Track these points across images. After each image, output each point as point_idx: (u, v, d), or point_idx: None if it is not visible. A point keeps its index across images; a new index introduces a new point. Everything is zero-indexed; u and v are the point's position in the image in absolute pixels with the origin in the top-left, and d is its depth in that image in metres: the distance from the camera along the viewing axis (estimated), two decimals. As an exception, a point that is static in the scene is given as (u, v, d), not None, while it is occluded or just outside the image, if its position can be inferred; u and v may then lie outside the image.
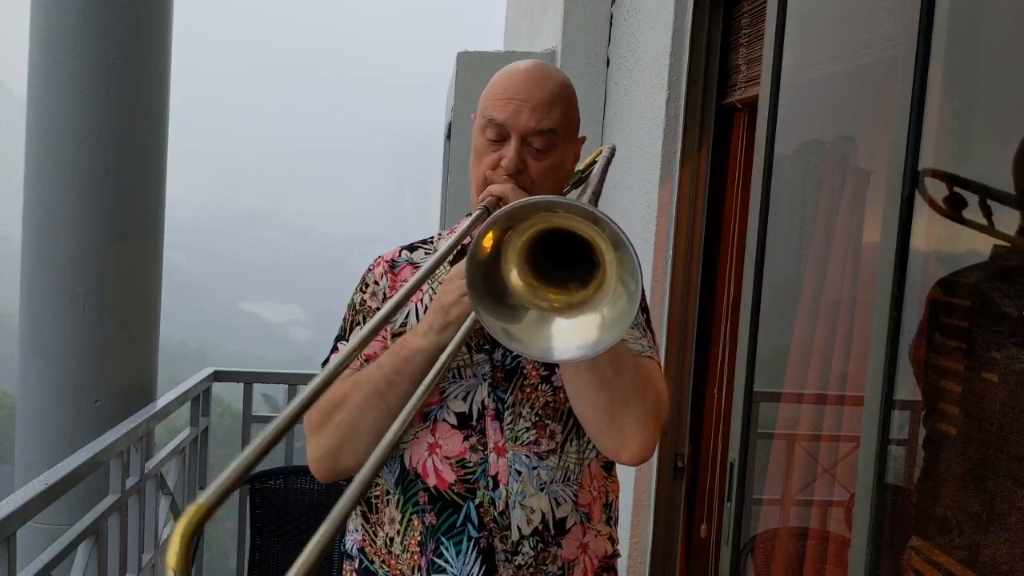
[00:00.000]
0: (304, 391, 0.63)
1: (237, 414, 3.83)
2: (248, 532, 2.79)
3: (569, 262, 1.01)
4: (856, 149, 1.81)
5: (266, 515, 2.64)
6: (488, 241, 0.95)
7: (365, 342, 0.74)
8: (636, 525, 2.63)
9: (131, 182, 3.34)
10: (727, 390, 2.38)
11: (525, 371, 1.27)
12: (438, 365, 0.86)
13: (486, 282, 0.97)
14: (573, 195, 1.39)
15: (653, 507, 2.57)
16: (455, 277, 1.14)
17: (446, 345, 1.10)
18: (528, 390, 1.27)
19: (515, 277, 1.00)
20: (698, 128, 2.50)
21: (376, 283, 1.35)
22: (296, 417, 0.60)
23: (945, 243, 1.39)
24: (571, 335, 0.98)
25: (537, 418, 1.26)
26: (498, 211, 0.95)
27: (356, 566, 1.35)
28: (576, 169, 1.42)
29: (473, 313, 0.92)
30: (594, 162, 1.47)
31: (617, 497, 1.37)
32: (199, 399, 3.52)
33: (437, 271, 1.06)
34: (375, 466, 0.62)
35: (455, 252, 1.11)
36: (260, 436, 0.56)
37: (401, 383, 1.17)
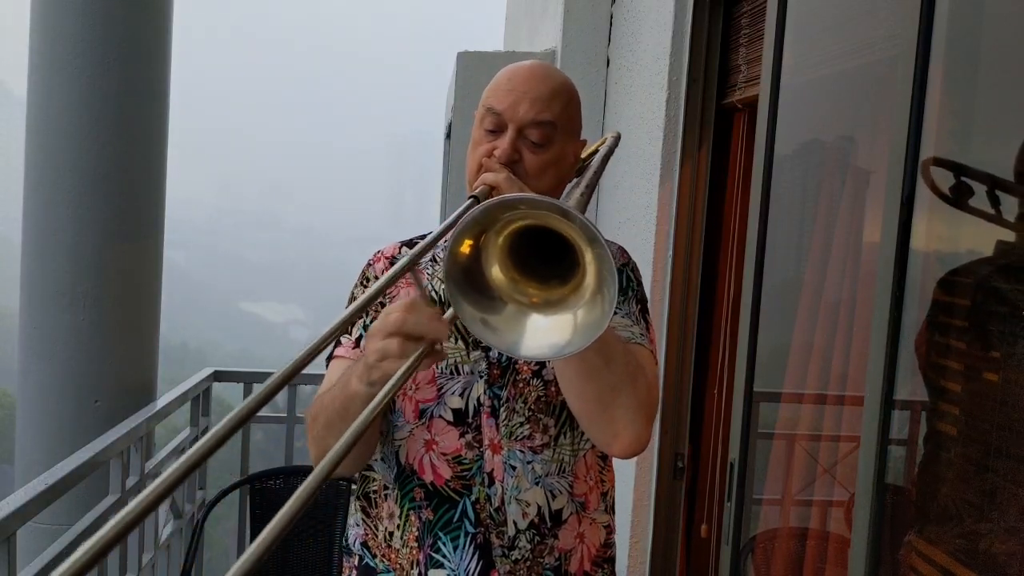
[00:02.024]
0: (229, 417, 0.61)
1: (237, 414, 3.81)
2: (248, 532, 2.79)
3: (553, 260, 1.00)
4: (856, 149, 1.81)
5: (266, 515, 2.64)
6: (465, 247, 0.95)
7: (304, 363, 0.75)
8: (636, 525, 2.63)
9: (131, 182, 3.34)
10: (727, 390, 2.38)
11: (517, 366, 1.27)
12: (371, 406, 0.80)
13: (466, 276, 0.96)
14: (569, 185, 1.37)
15: (653, 507, 2.56)
16: (376, 335, 0.99)
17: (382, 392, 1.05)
18: (520, 385, 1.27)
19: (496, 271, 0.99)
20: (698, 128, 2.50)
21: (376, 278, 1.34)
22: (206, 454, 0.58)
23: (945, 243, 1.39)
24: (545, 333, 0.97)
25: (530, 413, 1.26)
26: (464, 217, 0.93)
27: (356, 563, 1.35)
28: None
29: (397, 373, 0.88)
30: (596, 151, 1.46)
31: (613, 485, 1.37)
32: (199, 399, 3.52)
33: (422, 262, 1.04)
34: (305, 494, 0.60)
35: (430, 248, 1.08)
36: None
37: (349, 420, 1.14)
